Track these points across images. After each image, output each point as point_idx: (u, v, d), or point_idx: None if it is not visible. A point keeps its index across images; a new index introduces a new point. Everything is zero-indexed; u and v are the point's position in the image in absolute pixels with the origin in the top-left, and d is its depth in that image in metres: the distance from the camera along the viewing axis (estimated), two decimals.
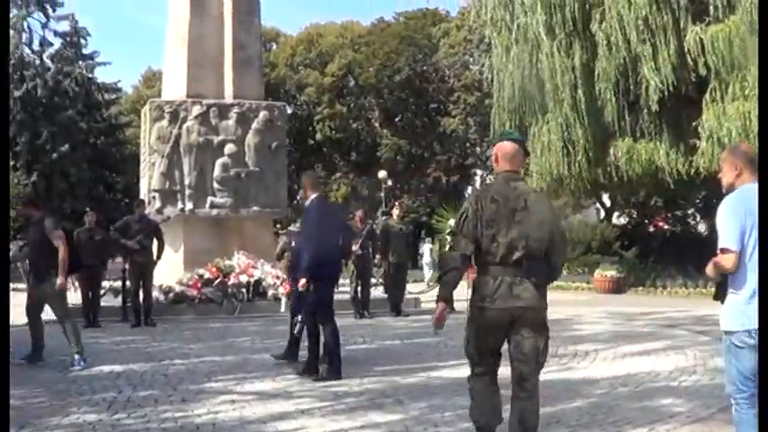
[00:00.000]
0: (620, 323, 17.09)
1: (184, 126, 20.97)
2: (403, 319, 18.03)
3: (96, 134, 54.48)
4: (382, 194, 55.36)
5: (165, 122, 21.01)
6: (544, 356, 6.40)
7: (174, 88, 22.04)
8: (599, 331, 15.14)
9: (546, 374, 9.98)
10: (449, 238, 18.47)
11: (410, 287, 23.05)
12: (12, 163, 46.89)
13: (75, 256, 12.02)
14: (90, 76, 56.08)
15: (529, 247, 6.02)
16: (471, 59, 59.47)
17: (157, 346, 13.39)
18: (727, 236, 5.38)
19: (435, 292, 17.83)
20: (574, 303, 22.90)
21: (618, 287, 30.60)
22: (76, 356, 11.12)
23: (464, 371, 10.13)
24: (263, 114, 21.62)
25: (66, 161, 50.50)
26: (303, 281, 10.04)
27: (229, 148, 21.16)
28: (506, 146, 6.36)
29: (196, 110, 21.10)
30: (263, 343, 13.63)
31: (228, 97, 21.74)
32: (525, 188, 6.28)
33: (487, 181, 63.73)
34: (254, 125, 21.50)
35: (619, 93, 27.14)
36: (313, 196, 10.43)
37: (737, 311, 5.41)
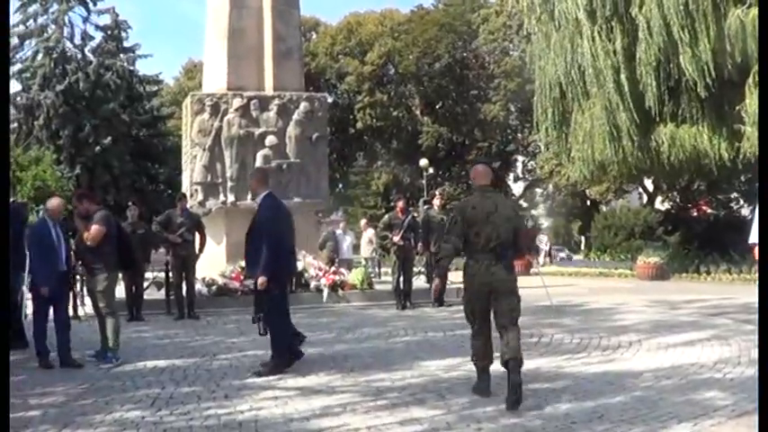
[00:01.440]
0: (664, 312, 16.99)
1: (225, 119, 21.06)
2: (445, 309, 17.94)
3: (138, 126, 55.06)
4: (423, 182, 55.34)
5: (206, 115, 21.10)
6: (517, 312, 8.70)
7: (215, 81, 22.13)
8: (642, 320, 15.02)
9: (589, 367, 10.05)
10: None
11: (453, 276, 23.04)
12: (55, 156, 47.36)
13: (128, 254, 12.14)
14: (131, 68, 56.58)
15: (500, 238, 8.46)
16: (511, 45, 59.32)
17: (200, 340, 13.46)
18: (753, 231, 5.32)
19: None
20: (616, 291, 22.84)
21: (661, 274, 30.40)
22: (109, 354, 11.18)
23: None
24: (303, 106, 21.64)
25: (109, 154, 51.05)
26: (262, 279, 10.21)
27: (270, 140, 21.22)
28: (479, 168, 9.11)
29: (237, 102, 21.16)
30: (306, 336, 13.65)
31: (269, 89, 21.79)
32: (495, 197, 8.83)
33: (529, 167, 63.67)
34: (295, 116, 21.53)
35: (660, 77, 26.92)
36: (263, 194, 10.60)
37: None
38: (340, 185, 68.82)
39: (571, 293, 22.24)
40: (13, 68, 54.80)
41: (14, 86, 55.90)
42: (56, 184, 44.33)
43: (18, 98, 53.22)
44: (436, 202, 20.55)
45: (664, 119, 27.99)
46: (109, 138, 51.11)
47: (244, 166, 21.04)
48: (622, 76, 27.58)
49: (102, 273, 11.28)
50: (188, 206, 19.35)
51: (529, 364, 10.09)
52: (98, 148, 50.84)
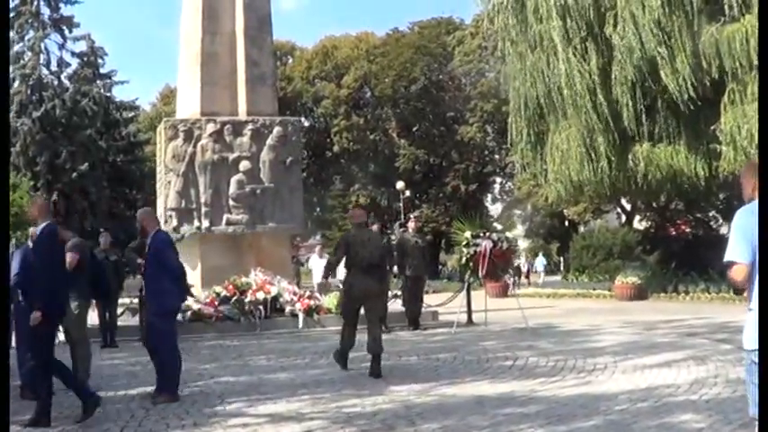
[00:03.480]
0: (640, 332, 16.93)
1: (199, 144, 20.99)
2: (421, 333, 17.90)
3: (115, 152, 54.80)
4: (401, 205, 55.29)
5: (179, 141, 21.03)
6: (383, 312, 13.01)
7: (188, 106, 22.08)
8: (618, 342, 14.93)
9: (563, 390, 9.96)
10: (465, 250, 18.38)
11: (430, 299, 22.96)
12: (32, 183, 47.08)
13: (100, 281, 12.03)
14: (108, 94, 56.35)
15: (371, 259, 11.97)
16: (487, 67, 59.42)
17: None
18: (732, 248, 5.21)
19: (455, 303, 17.79)
20: (594, 312, 22.81)
21: (639, 294, 30.35)
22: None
23: (482, 388, 10.14)
24: (276, 130, 21.56)
25: (86, 179, 50.76)
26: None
27: (244, 164, 21.14)
28: (357, 211, 13.87)
29: (210, 128, 21.09)
30: (279, 361, 13.56)
31: (242, 114, 21.73)
32: (368, 231, 12.93)
33: (506, 188, 63.75)
34: (269, 141, 21.45)
35: (636, 96, 27.00)
36: (155, 230, 10.63)
37: (752, 329, 5.24)
38: (318, 209, 68.69)
39: (548, 315, 22.18)
40: None
41: None
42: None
43: None
44: (411, 225, 20.50)
45: (640, 138, 28.05)
46: (86, 164, 50.80)
47: (218, 192, 21.02)
48: (599, 96, 27.63)
49: (74, 301, 11.10)
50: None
51: (502, 388, 10.06)
52: (75, 174, 50.53)
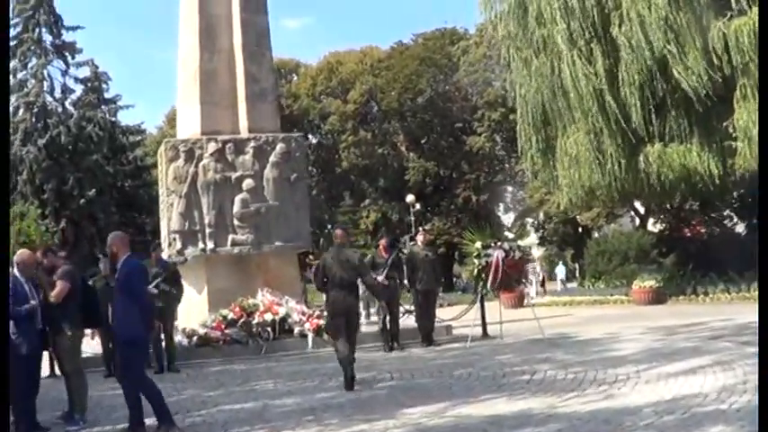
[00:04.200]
0: (662, 338, 16.36)
1: (200, 164, 20.47)
2: (434, 349, 17.35)
3: (123, 177, 54.56)
4: (412, 218, 54.77)
5: (180, 162, 20.53)
6: (358, 326, 13.98)
7: (189, 126, 21.61)
8: (640, 349, 14.31)
9: (584, 406, 9.40)
10: (476, 261, 17.84)
11: (444, 313, 22.44)
12: (39, 211, 46.86)
13: (94, 310, 11.49)
14: (113, 119, 56.16)
15: (349, 278, 12.74)
16: (493, 75, 58.80)
17: (176, 396, 12.75)
18: None
19: (469, 316, 17.24)
20: (613, 319, 22.22)
21: (658, 298, 29.77)
22: (77, 416, 10.55)
23: (498, 406, 9.60)
24: (279, 147, 21.02)
25: (94, 205, 50.60)
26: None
27: (247, 183, 20.61)
28: (338, 231, 14.64)
29: (211, 147, 20.58)
30: (286, 385, 13.03)
31: (244, 131, 21.23)
32: (346, 251, 13.24)
33: (517, 198, 63.20)
34: (272, 158, 20.91)
35: (645, 97, 26.46)
36: (125, 256, 10.01)
37: None
38: (329, 226, 68.23)
39: (565, 324, 21.62)
40: None
41: None
42: (40, 239, 43.73)
43: None
44: (420, 238, 19.89)
45: (651, 139, 27.50)
46: (93, 190, 50.63)
47: (222, 212, 20.47)
48: (606, 98, 27.12)
49: (67, 331, 10.62)
50: (166, 256, 18.89)
51: (520, 405, 9.53)
52: (83, 200, 50.33)
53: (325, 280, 12.77)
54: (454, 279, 64.45)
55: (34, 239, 42.18)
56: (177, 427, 9.47)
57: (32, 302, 10.37)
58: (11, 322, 10.37)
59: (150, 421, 9.65)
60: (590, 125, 28.02)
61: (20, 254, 10.82)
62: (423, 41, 64.56)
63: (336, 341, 12.68)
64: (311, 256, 49.84)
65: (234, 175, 20.60)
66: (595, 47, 27.82)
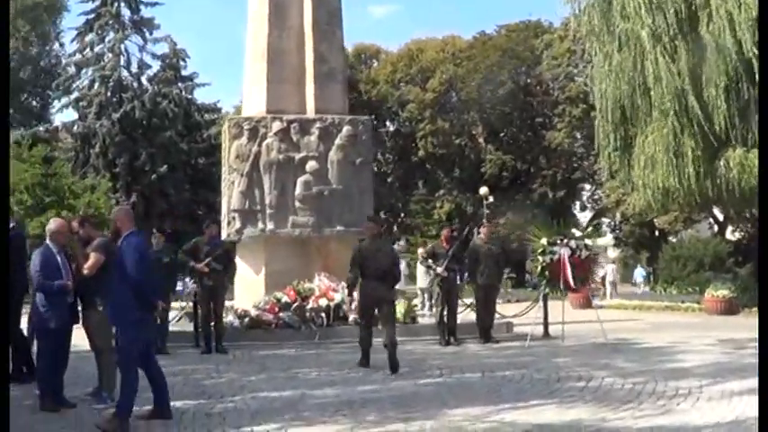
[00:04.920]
0: (730, 352, 15.41)
1: (264, 143, 20.07)
2: (491, 346, 16.70)
3: (196, 155, 54.51)
4: (486, 211, 53.99)
5: (243, 140, 20.15)
6: (393, 315, 13.60)
7: (254, 104, 21.25)
8: (705, 362, 13.37)
9: (638, 421, 8.67)
10: (541, 258, 17.14)
11: (509, 308, 21.79)
12: (110, 184, 47.11)
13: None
14: (189, 97, 56.20)
15: (383, 269, 13.08)
16: (575, 71, 57.70)
17: (216, 378, 12.38)
18: None
19: (531, 313, 16.54)
20: (681, 327, 21.28)
21: (730, 308, 28.64)
22: (104, 393, 10.12)
23: (546, 414, 8.95)
24: (346, 129, 20.51)
25: (165, 182, 50.68)
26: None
27: (311, 165, 20.15)
28: (369, 224, 14.56)
29: (276, 126, 20.16)
30: (330, 375, 12.52)
31: (310, 112, 20.77)
32: (380, 242, 13.91)
33: (594, 197, 62.06)
34: (338, 141, 20.41)
35: (729, 99, 25.36)
36: (128, 232, 9.24)
37: None
38: (402, 214, 67.70)
39: (631, 329, 20.71)
40: (70, 97, 54.80)
41: (71, 115, 55.93)
42: (109, 212, 43.90)
43: (75, 126, 53.15)
44: (483, 230, 19.12)
45: (732, 143, 26.40)
46: (165, 166, 50.73)
47: (283, 193, 20.05)
48: (689, 98, 26.07)
49: (99, 306, 10.18)
50: (225, 234, 18.63)
51: (570, 415, 8.88)
52: (154, 176, 50.47)
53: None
54: (527, 275, 63.49)
55: (103, 212, 42.40)
56: (129, 428, 8.79)
57: (64, 280, 9.95)
58: (40, 294, 10.00)
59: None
60: (670, 125, 26.94)
61: (53, 222, 10.41)
62: (506, 33, 63.46)
63: (361, 329, 13.58)
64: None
65: (297, 156, 20.17)
66: (680, 44, 26.75)
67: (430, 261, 17.81)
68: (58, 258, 10.06)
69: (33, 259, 10.14)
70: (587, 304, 26.62)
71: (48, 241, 10.24)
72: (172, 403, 9.98)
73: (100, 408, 9.76)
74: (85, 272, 10.12)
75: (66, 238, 10.23)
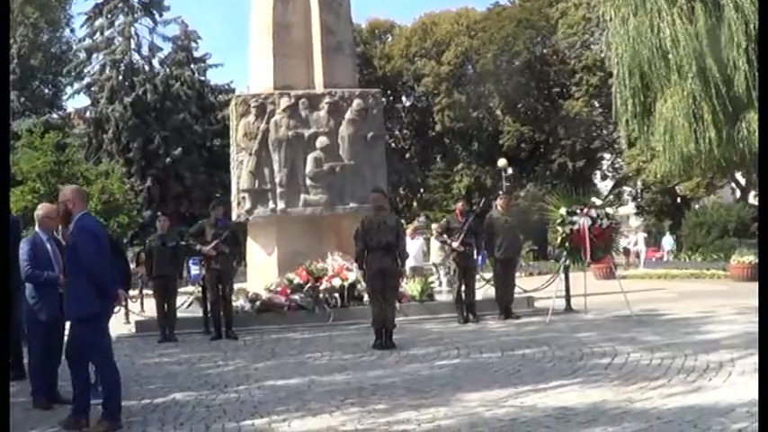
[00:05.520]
0: None
1: (272, 120, 19.47)
2: (512, 322, 16.05)
3: (211, 136, 53.97)
4: (506, 183, 53.38)
5: (251, 117, 19.55)
6: (397, 289, 14.13)
7: (261, 80, 20.61)
8: (736, 333, 12.60)
9: (667, 400, 7.99)
10: (560, 229, 16.46)
11: (531, 282, 21.18)
12: (125, 169, 46.78)
13: (123, 273, 10.34)
14: (202, 78, 55.71)
15: (387, 241, 13.10)
16: (592, 39, 56.87)
17: (222, 367, 11.81)
18: None
19: (553, 287, 15.87)
20: (708, 295, 20.61)
21: (756, 274, 27.91)
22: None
23: (568, 396, 8.34)
24: (356, 103, 19.87)
25: (180, 164, 50.30)
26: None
27: (321, 141, 19.53)
28: (375, 195, 14.08)
29: (284, 102, 19.55)
30: (342, 359, 11.95)
31: (319, 86, 20.16)
32: (383, 214, 13.57)
33: (614, 166, 61.26)
34: (348, 115, 19.78)
35: (749, 60, 24.61)
36: (80, 213, 8.31)
37: None
38: (422, 190, 67.10)
39: (657, 299, 20.05)
40: (82, 83, 54.43)
41: (83, 101, 55.62)
42: (123, 197, 43.58)
43: (87, 112, 52.83)
44: (500, 202, 18.31)
45: (753, 105, 25.64)
46: (179, 149, 50.24)
47: (294, 171, 19.46)
48: (708, 61, 25.36)
49: None
50: (234, 216, 18.40)
51: (593, 396, 8.28)
52: (168, 159, 50.06)
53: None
54: (549, 247, 62.78)
55: (117, 198, 42.08)
56: (121, 426, 8.06)
57: (55, 269, 9.34)
58: (29, 286, 9.42)
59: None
60: (689, 88, 26.28)
61: (41, 207, 9.74)
62: (520, 3, 62.68)
63: (372, 304, 13.40)
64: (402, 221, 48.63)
65: (307, 132, 19.57)
66: (697, 5, 26.09)
67: (445, 236, 17.11)
68: (48, 246, 9.48)
69: (22, 247, 9.52)
70: (610, 275, 25.98)
71: (37, 228, 9.67)
72: (173, 395, 9.55)
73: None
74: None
75: (55, 222, 9.56)
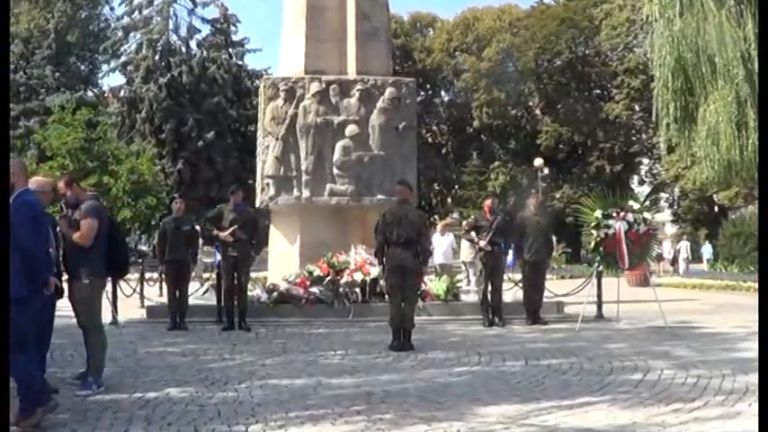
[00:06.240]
0: None
1: (301, 105, 18.80)
2: (539, 328, 15.29)
3: (246, 122, 53.44)
4: (542, 184, 52.58)
5: (279, 101, 18.91)
6: (417, 287, 13.41)
7: (292, 64, 19.91)
8: None
9: (704, 425, 7.21)
10: (594, 233, 15.65)
11: (562, 285, 20.40)
12: (156, 150, 46.42)
13: (120, 255, 9.70)
14: (239, 63, 55.23)
15: (407, 236, 12.47)
16: (635, 41, 55.90)
17: (227, 361, 11.14)
18: None
19: (584, 292, 15.03)
20: (744, 308, 19.70)
21: None
22: (90, 378, 8.88)
23: (595, 416, 7.57)
24: (389, 91, 19.16)
25: (212, 148, 49.85)
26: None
27: (351, 129, 18.84)
28: (400, 187, 13.68)
29: (314, 87, 18.87)
30: (356, 359, 11.24)
31: (351, 73, 19.47)
32: (406, 207, 13.01)
33: (652, 171, 60.30)
34: (380, 104, 19.09)
35: None
36: (21, 189, 7.67)
37: None
38: (456, 186, 66.35)
39: (692, 310, 19.20)
40: (118, 61, 54.12)
41: (119, 79, 55.35)
42: (153, 179, 43.17)
43: (121, 91, 52.54)
44: (532, 201, 17.52)
45: None
46: (212, 132, 49.73)
47: (321, 158, 18.80)
48: (755, 66, 24.41)
49: (84, 278, 8.96)
50: (258, 202, 18.34)
51: (622, 418, 7.52)
52: (201, 142, 49.57)
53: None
54: (582, 250, 61.85)
55: (147, 178, 41.64)
56: (39, 423, 7.26)
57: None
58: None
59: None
60: (733, 94, 25.34)
61: (34, 181, 9.00)
62: (564, 2, 61.86)
63: (390, 302, 12.94)
64: (435, 216, 47.88)
65: (337, 120, 18.90)
66: (746, 8, 25.15)
67: (472, 234, 16.35)
68: None
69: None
70: (644, 282, 25.13)
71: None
72: (167, 390, 8.89)
73: (82, 395, 8.58)
74: (79, 241, 8.89)
75: (48, 198, 8.90)
